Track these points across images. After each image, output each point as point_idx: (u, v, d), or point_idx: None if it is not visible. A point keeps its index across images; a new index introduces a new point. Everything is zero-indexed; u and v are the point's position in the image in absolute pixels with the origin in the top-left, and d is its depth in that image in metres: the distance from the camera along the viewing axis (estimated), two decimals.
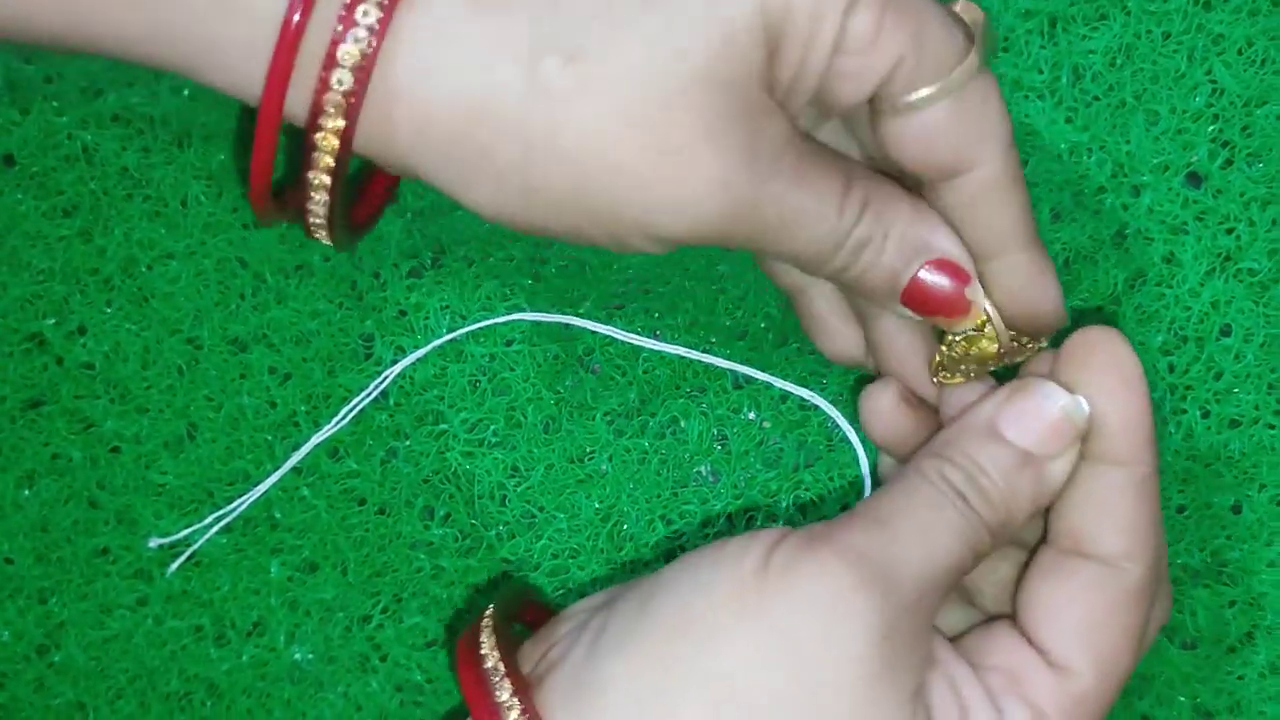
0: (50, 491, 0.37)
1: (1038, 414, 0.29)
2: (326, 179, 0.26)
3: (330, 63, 0.25)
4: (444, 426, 0.37)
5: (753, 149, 0.26)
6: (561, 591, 0.37)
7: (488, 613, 0.29)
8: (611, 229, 0.26)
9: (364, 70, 0.25)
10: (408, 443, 0.37)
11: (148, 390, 0.37)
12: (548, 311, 0.36)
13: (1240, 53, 0.35)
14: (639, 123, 0.25)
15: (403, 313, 0.37)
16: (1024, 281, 0.29)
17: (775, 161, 0.26)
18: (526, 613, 0.32)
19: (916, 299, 0.29)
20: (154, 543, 0.37)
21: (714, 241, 0.27)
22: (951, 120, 0.27)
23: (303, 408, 0.37)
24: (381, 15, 0.24)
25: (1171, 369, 0.35)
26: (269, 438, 0.37)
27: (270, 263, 0.37)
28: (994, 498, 0.28)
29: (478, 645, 0.28)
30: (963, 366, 0.30)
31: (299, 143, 0.26)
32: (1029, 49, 0.35)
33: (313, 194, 0.27)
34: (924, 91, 0.27)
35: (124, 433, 0.37)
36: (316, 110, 0.25)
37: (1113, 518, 0.28)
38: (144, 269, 0.37)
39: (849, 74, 0.26)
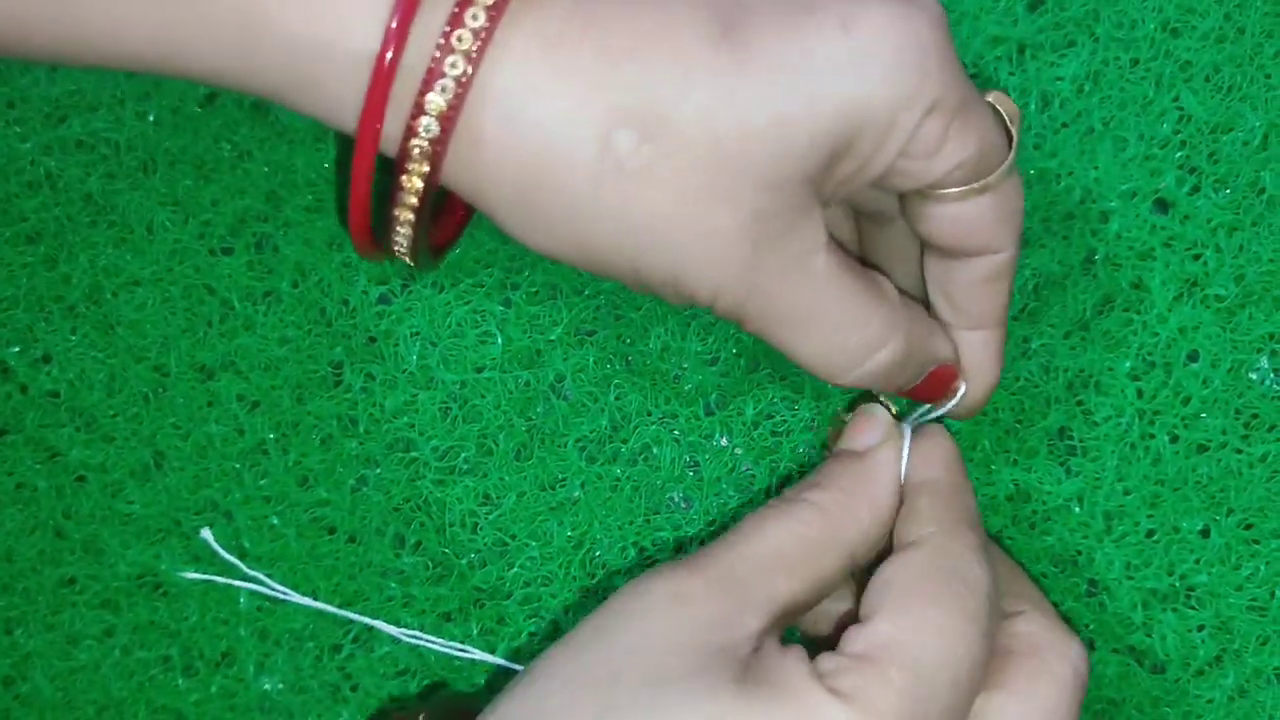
0: (15, 521, 0.37)
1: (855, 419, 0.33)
2: (410, 215, 0.28)
3: (418, 111, 0.26)
4: (415, 454, 0.36)
5: (783, 244, 0.28)
6: (534, 619, 0.37)
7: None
8: (651, 284, 0.29)
9: (449, 120, 0.26)
10: (378, 470, 0.36)
11: (114, 418, 0.37)
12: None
13: (1207, 79, 0.35)
14: (690, 210, 0.27)
15: (372, 339, 0.36)
16: (987, 359, 0.32)
17: (804, 257, 0.28)
18: None
19: (912, 394, 0.32)
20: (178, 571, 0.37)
21: (735, 315, 0.29)
22: (989, 212, 0.29)
23: (271, 435, 0.37)
24: (469, 68, 0.26)
25: (1140, 394, 0.35)
26: (237, 465, 0.37)
27: (238, 289, 0.36)
28: (824, 500, 0.30)
29: None
30: None
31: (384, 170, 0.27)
32: (997, 76, 0.35)
33: (398, 228, 0.29)
34: (971, 186, 0.29)
35: (90, 461, 0.37)
36: (404, 156, 0.27)
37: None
38: (109, 296, 0.37)
39: (907, 174, 0.28)
